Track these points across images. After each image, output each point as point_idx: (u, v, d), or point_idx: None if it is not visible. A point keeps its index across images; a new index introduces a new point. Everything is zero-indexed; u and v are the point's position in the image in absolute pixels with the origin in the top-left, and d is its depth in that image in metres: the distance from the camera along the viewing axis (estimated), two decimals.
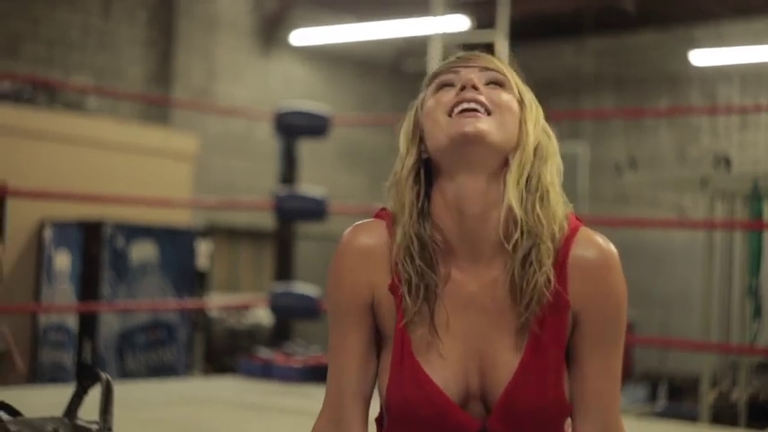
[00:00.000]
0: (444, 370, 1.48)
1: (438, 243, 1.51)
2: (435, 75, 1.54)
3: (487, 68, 1.50)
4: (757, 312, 5.95)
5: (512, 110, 1.49)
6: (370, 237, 1.54)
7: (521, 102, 1.50)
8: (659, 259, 10.59)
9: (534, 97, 1.55)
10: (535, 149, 1.50)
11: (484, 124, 1.45)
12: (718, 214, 6.54)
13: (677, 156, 12.43)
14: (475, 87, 1.47)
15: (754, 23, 11.76)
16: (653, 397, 9.57)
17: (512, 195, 1.45)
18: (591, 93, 12.91)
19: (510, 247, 1.47)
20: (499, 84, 1.50)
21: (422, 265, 1.49)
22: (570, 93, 12.79)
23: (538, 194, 1.47)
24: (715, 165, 7.63)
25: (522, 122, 1.49)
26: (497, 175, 1.48)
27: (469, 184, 1.47)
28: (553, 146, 1.53)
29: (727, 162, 7.31)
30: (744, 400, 6.04)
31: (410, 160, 1.52)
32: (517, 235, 1.46)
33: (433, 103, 1.50)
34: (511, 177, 1.47)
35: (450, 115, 1.47)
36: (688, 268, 9.98)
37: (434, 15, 7.59)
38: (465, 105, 1.46)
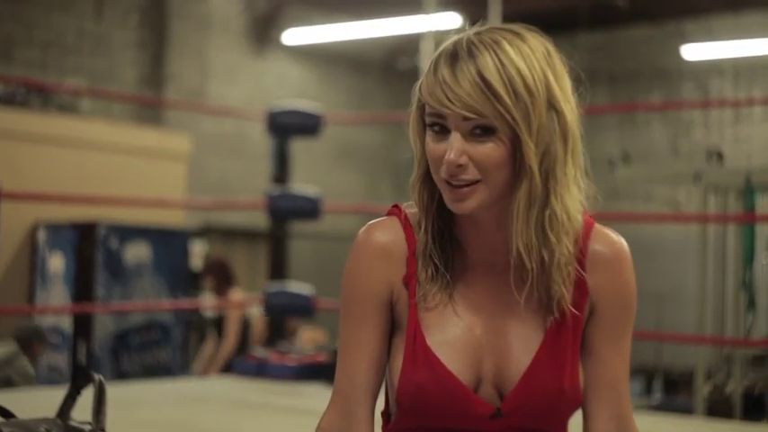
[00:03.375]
0: (457, 356, 1.50)
1: (459, 237, 1.54)
2: (424, 101, 1.47)
3: (468, 118, 1.42)
4: (751, 305, 5.96)
5: (499, 163, 1.43)
6: (385, 234, 1.55)
7: (515, 135, 1.43)
8: (653, 253, 10.61)
9: (543, 96, 1.45)
10: (543, 161, 1.45)
11: (471, 202, 1.45)
12: (712, 208, 6.56)
13: (670, 150, 12.45)
14: (459, 165, 1.43)
15: (744, 18, 11.78)
16: (648, 390, 9.60)
17: (520, 242, 1.46)
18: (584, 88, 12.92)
19: (518, 273, 1.50)
20: (487, 129, 1.43)
21: (440, 254, 1.53)
22: None
23: (547, 218, 1.46)
24: (708, 159, 7.64)
25: (520, 159, 1.44)
26: (506, 195, 1.47)
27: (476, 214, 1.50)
28: (562, 144, 1.47)
29: (720, 156, 7.31)
30: (739, 392, 6.05)
31: (421, 169, 1.53)
32: (526, 266, 1.48)
33: (428, 152, 1.48)
34: (518, 221, 1.46)
35: (442, 179, 1.47)
36: (682, 262, 10.01)
37: (426, 13, 7.59)
38: (454, 182, 1.45)
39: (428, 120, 1.47)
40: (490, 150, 1.43)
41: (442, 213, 1.53)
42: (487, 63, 1.42)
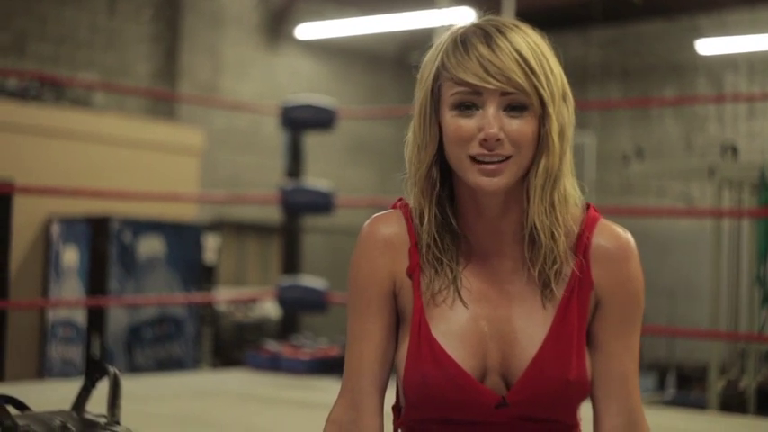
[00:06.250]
0: (462, 346, 1.50)
1: (460, 226, 1.54)
2: (455, 77, 1.46)
3: (507, 93, 1.44)
4: (765, 300, 5.93)
5: (531, 139, 1.46)
6: (389, 227, 1.56)
7: (544, 113, 1.46)
8: (666, 248, 10.57)
9: (561, 80, 1.50)
10: (560, 141, 1.49)
11: (503, 179, 1.46)
12: (726, 203, 6.53)
13: (684, 145, 12.40)
14: (497, 139, 1.44)
15: (759, 12, 11.73)
16: (662, 386, 9.57)
17: (536, 217, 1.49)
18: (597, 83, 12.89)
19: (533, 246, 1.51)
20: (520, 106, 1.45)
21: (442, 245, 1.53)
22: (576, 83, 12.59)
23: (557, 195, 1.49)
24: (722, 154, 7.61)
25: (545, 134, 1.47)
26: (522, 178, 1.50)
27: (488, 197, 1.51)
28: (571, 131, 1.52)
29: (734, 151, 7.29)
30: (752, 387, 6.04)
31: (428, 155, 1.51)
32: (540, 240, 1.50)
33: (453, 130, 1.47)
34: (535, 196, 1.48)
35: (470, 156, 1.46)
36: (695, 257, 9.97)
37: (439, 8, 7.59)
38: (487, 159, 1.45)
39: (455, 98, 1.47)
40: (524, 126, 1.46)
41: (441, 206, 1.54)
42: (520, 42, 1.46)
